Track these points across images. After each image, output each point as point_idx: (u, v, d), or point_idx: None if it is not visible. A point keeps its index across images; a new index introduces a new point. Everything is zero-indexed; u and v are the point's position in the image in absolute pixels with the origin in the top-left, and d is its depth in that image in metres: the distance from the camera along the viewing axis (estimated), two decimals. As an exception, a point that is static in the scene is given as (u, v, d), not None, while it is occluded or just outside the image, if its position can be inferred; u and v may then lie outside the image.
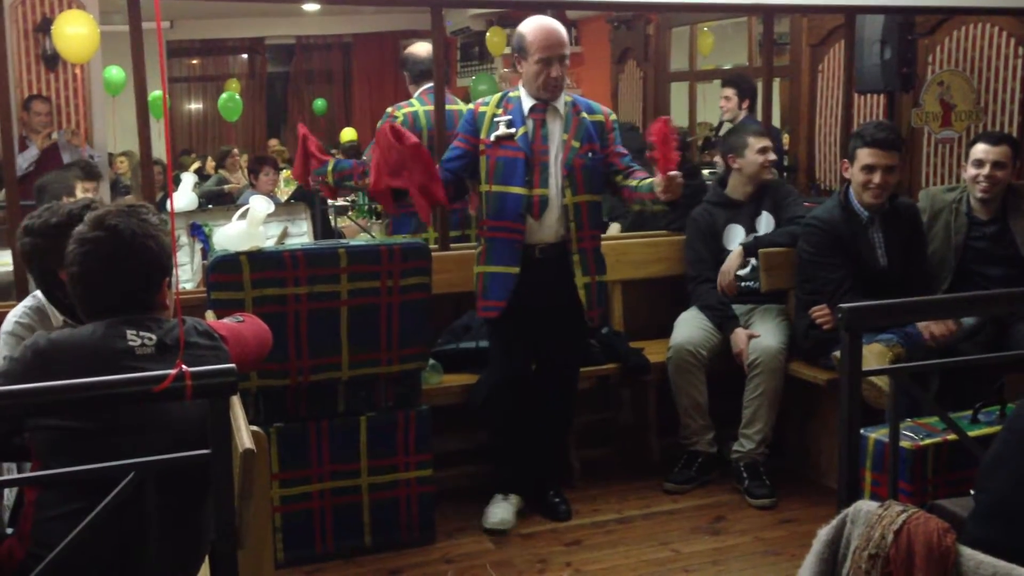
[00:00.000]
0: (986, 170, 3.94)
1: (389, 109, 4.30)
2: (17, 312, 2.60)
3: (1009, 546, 1.72)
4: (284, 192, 7.44)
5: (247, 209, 3.75)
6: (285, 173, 8.03)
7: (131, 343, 2.03)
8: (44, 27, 6.54)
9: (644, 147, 4.54)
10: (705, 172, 6.06)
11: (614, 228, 5.17)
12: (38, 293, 2.62)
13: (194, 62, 13.76)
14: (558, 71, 3.42)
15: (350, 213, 6.97)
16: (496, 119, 3.48)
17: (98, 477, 1.81)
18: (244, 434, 2.01)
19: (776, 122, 5.91)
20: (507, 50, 9.50)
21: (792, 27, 6.76)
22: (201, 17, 11.83)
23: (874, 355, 3.49)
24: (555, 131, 3.48)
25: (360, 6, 11.77)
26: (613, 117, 3.64)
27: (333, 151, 7.69)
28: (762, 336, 3.95)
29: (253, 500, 2.04)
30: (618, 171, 3.54)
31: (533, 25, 3.45)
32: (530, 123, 3.47)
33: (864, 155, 3.78)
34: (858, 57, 4.97)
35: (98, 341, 2.02)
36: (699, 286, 4.14)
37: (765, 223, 4.17)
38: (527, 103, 3.49)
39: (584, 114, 3.53)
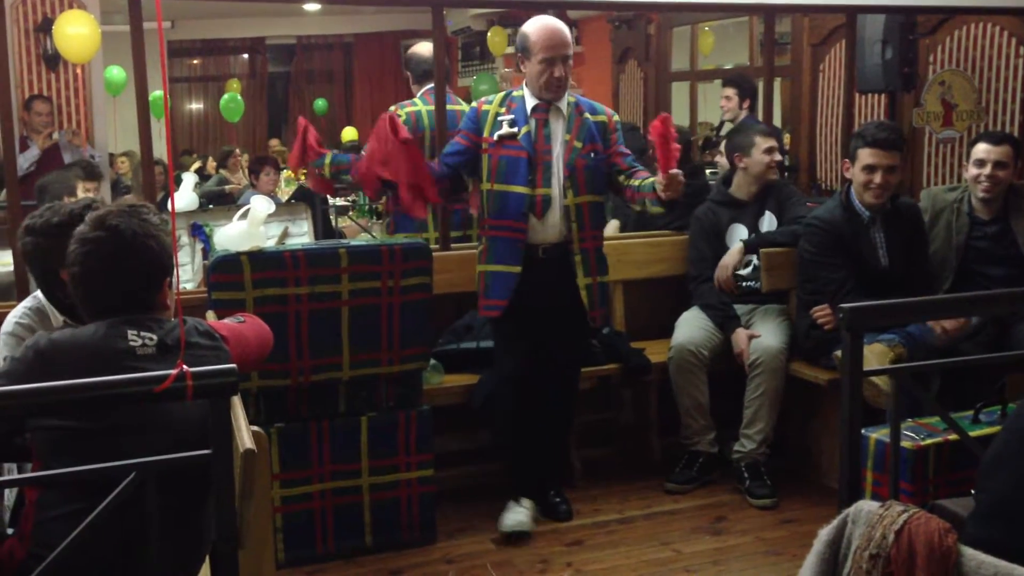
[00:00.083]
0: (987, 170, 3.93)
1: (392, 108, 4.29)
2: (17, 313, 2.60)
3: (1010, 546, 1.72)
4: (285, 192, 7.44)
5: (248, 209, 3.75)
6: (286, 173, 8.04)
7: (132, 343, 2.03)
8: (45, 27, 6.54)
9: (645, 147, 4.54)
10: (707, 172, 6.05)
11: (611, 226, 5.16)
12: (38, 294, 2.62)
13: (195, 62, 13.76)
14: (561, 71, 3.42)
15: (351, 213, 6.98)
16: (499, 118, 3.48)
17: (99, 477, 1.81)
18: (245, 434, 2.01)
19: (777, 122, 5.90)
20: (508, 50, 9.51)
21: (793, 27, 6.75)
22: (202, 17, 11.83)
23: (875, 355, 3.48)
24: (558, 131, 3.48)
25: (361, 6, 11.76)
26: (616, 118, 3.64)
27: (334, 151, 7.67)
28: (763, 336, 3.95)
29: (254, 500, 2.04)
30: (621, 171, 3.54)
31: (537, 25, 3.45)
32: (533, 123, 3.47)
33: (865, 155, 3.78)
34: (859, 57, 4.97)
35: (99, 341, 2.02)
36: (701, 285, 4.14)
37: (768, 223, 4.17)
38: (530, 103, 3.49)
39: (587, 115, 3.53)
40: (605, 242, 3.71)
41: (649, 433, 4.22)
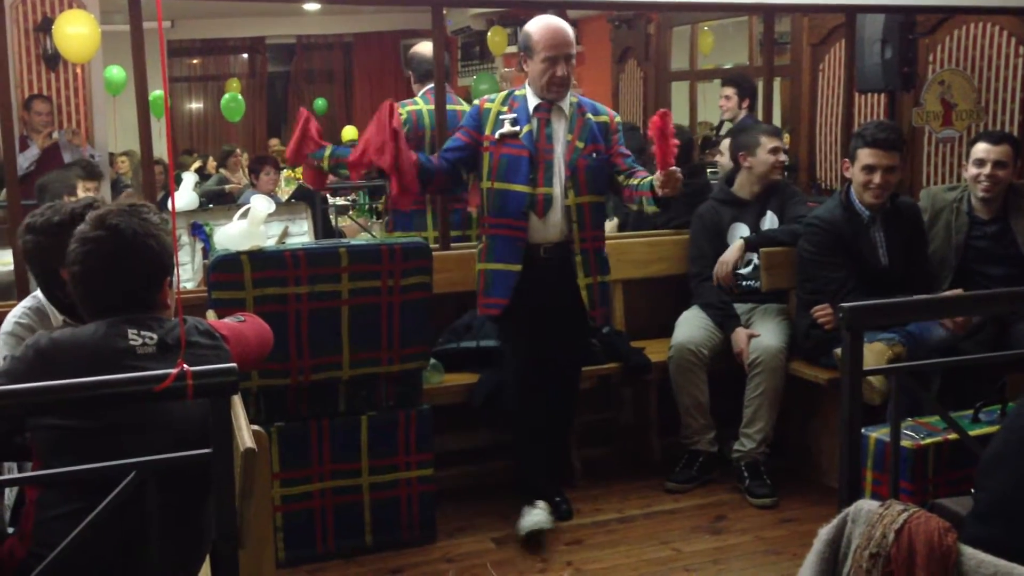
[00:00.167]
0: (987, 169, 3.94)
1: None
2: (17, 312, 2.60)
3: (1009, 545, 1.72)
4: (285, 192, 7.44)
5: (248, 208, 3.75)
6: (286, 173, 8.04)
7: (132, 342, 2.04)
8: (45, 26, 6.54)
9: (644, 146, 4.54)
10: (707, 171, 6.05)
11: (609, 225, 5.16)
12: (38, 293, 2.62)
13: (195, 62, 13.76)
14: (564, 70, 3.42)
15: (351, 212, 6.98)
16: (501, 116, 3.48)
17: (99, 476, 1.81)
18: (245, 433, 2.01)
19: (777, 121, 5.90)
20: (508, 49, 9.51)
21: (793, 26, 6.75)
22: (202, 17, 11.82)
23: (872, 353, 3.49)
24: (559, 131, 3.48)
25: (360, 6, 11.76)
26: (618, 119, 3.64)
27: (334, 145, 7.67)
28: (763, 335, 3.95)
29: (254, 499, 2.04)
30: (620, 171, 3.54)
31: (539, 24, 3.46)
32: (535, 122, 3.47)
33: (865, 155, 3.78)
34: (859, 56, 4.97)
35: (99, 340, 2.02)
36: (701, 284, 4.14)
37: (770, 223, 4.17)
38: (532, 102, 3.49)
39: (589, 115, 3.53)
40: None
41: (649, 432, 4.22)
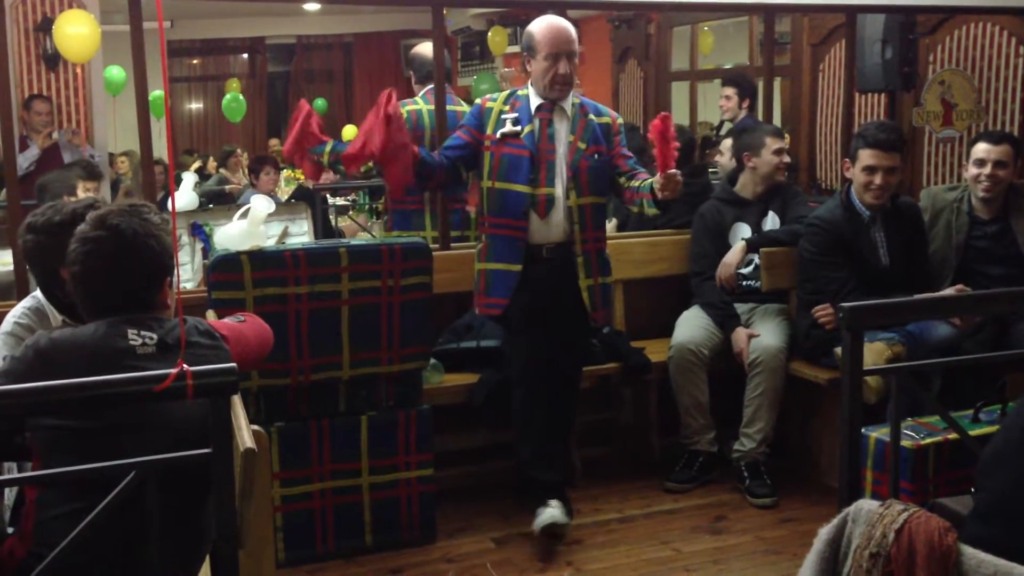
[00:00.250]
0: (987, 169, 3.94)
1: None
2: (16, 312, 2.60)
3: (1009, 544, 1.72)
4: (285, 192, 7.45)
5: (248, 208, 3.75)
6: (286, 173, 8.04)
7: (132, 342, 2.04)
8: (45, 26, 6.53)
9: (645, 147, 4.54)
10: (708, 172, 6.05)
11: (609, 226, 5.15)
12: (37, 293, 2.62)
13: (195, 62, 13.75)
14: (566, 67, 3.42)
15: (350, 212, 6.98)
16: (503, 116, 3.48)
17: (99, 476, 1.81)
18: (245, 433, 2.01)
19: (777, 121, 5.90)
20: (508, 49, 9.51)
21: (793, 26, 6.75)
22: (202, 17, 11.82)
23: (872, 353, 3.49)
24: (561, 131, 3.48)
25: (361, 6, 11.76)
26: (620, 120, 3.64)
27: (335, 141, 7.67)
28: (763, 335, 3.95)
29: (254, 499, 2.04)
30: (622, 173, 3.54)
31: (542, 24, 3.46)
32: (536, 122, 3.46)
33: (865, 156, 3.78)
34: (859, 56, 4.97)
35: (99, 340, 2.02)
36: (703, 283, 4.14)
37: (771, 223, 4.18)
38: (535, 102, 3.49)
39: (591, 116, 3.53)
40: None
41: (649, 432, 4.22)
